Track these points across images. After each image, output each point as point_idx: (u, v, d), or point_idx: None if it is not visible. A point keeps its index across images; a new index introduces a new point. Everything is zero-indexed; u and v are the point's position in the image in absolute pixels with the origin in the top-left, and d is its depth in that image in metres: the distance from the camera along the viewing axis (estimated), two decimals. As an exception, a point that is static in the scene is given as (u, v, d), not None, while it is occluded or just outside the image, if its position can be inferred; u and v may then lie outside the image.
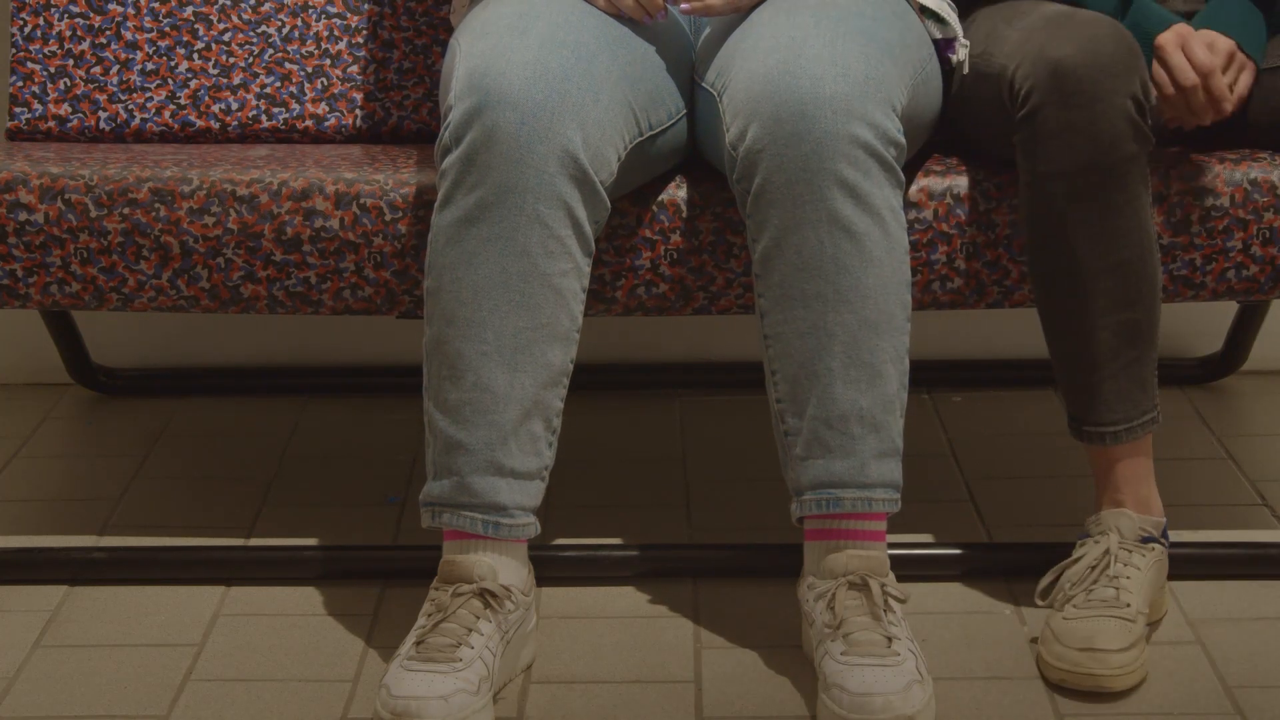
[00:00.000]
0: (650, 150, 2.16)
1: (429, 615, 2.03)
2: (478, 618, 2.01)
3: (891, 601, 2.04)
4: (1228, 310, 2.96)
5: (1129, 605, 2.09)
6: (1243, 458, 2.70)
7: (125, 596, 2.30)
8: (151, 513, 2.57)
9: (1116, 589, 2.10)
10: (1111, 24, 2.10)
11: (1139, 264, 2.11)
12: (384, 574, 2.31)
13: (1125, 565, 2.12)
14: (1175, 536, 2.44)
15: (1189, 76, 2.15)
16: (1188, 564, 2.31)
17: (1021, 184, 2.13)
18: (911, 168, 2.24)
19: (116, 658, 2.16)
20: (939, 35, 2.25)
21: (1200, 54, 2.15)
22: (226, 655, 2.16)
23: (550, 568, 2.32)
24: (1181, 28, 2.17)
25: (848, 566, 2.04)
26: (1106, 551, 2.12)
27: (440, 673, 1.95)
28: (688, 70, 2.24)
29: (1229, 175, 2.20)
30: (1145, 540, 2.15)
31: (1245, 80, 2.20)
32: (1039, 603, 2.14)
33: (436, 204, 2.05)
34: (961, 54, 2.25)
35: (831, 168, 2.00)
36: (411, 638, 2.02)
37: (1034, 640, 2.15)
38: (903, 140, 2.06)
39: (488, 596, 2.03)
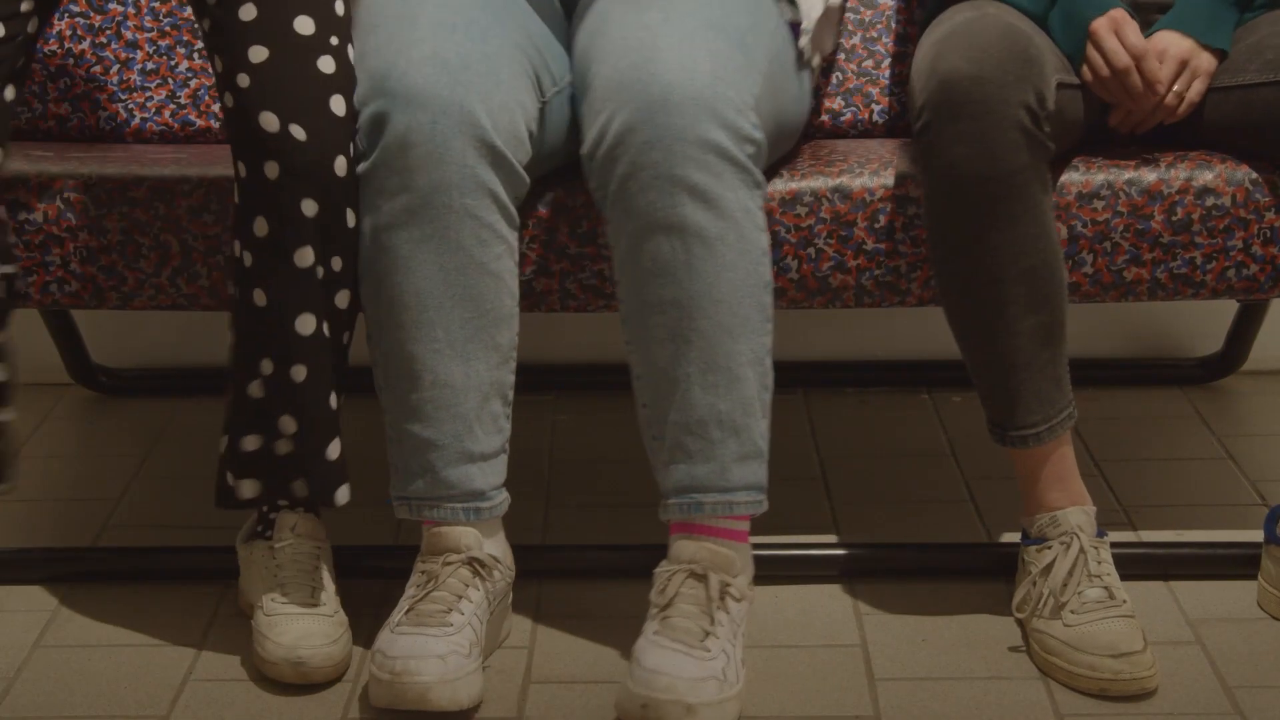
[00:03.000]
0: (551, 112, 2.15)
1: (419, 585, 2.07)
2: (467, 585, 2.06)
3: (729, 600, 2.03)
4: (1228, 310, 2.96)
5: (1125, 601, 2.09)
6: (1243, 458, 2.70)
7: (125, 596, 2.30)
8: (151, 513, 2.57)
9: (1106, 587, 2.10)
10: (1002, 34, 2.09)
11: (1045, 270, 2.10)
12: (384, 574, 2.31)
13: (1100, 563, 2.12)
14: (1175, 537, 2.44)
15: (1121, 59, 2.15)
16: (1188, 564, 2.31)
17: (924, 196, 2.13)
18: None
19: (116, 658, 2.16)
20: (789, 18, 2.23)
21: (1133, 37, 2.15)
22: (226, 655, 2.16)
23: (550, 568, 2.32)
24: (1116, 13, 2.16)
25: (694, 556, 2.05)
26: (1081, 551, 2.13)
27: (434, 635, 1.99)
28: (565, 38, 2.22)
29: (1230, 174, 2.20)
30: (1098, 534, 2.17)
31: (1198, 88, 2.20)
32: (1017, 615, 2.14)
33: (361, 209, 2.05)
34: (803, 41, 2.23)
35: (681, 173, 1.99)
36: (402, 606, 2.06)
37: (1016, 649, 2.15)
38: (759, 136, 2.04)
39: (476, 565, 2.08)
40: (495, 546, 2.13)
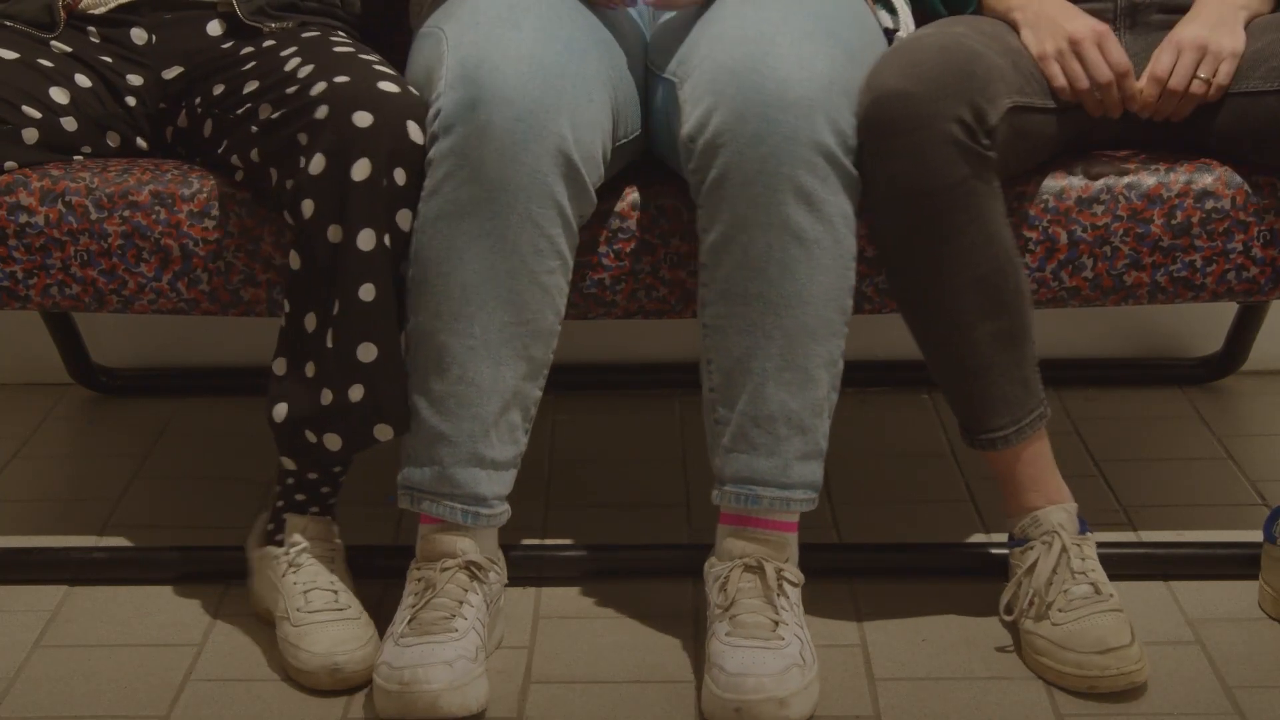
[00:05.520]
0: (611, 162, 2.15)
1: (417, 594, 2.07)
2: (466, 590, 2.06)
3: (786, 586, 2.06)
4: (1228, 310, 2.96)
5: (1112, 595, 2.09)
6: (1243, 458, 2.70)
7: (125, 596, 2.30)
8: (151, 513, 2.57)
9: (1091, 583, 2.10)
10: (941, 50, 2.07)
11: (997, 276, 2.09)
12: (384, 574, 2.31)
13: (1084, 559, 2.12)
14: (1175, 537, 2.44)
15: (1103, 73, 2.14)
16: (1188, 564, 2.31)
17: (869, 210, 2.11)
18: None
19: (116, 658, 2.16)
20: (890, 25, 2.24)
21: (1116, 53, 2.14)
22: (226, 655, 2.16)
23: (550, 568, 2.33)
24: (1101, 26, 2.14)
25: (745, 550, 2.07)
26: (1063, 549, 2.13)
27: (439, 642, 1.99)
28: (642, 83, 2.22)
29: (1229, 177, 2.20)
30: (1081, 531, 2.17)
31: (1225, 69, 2.16)
32: (1005, 618, 2.15)
33: (424, 193, 2.05)
34: None
35: (789, 173, 1.99)
36: (403, 616, 2.05)
37: (1007, 650, 2.15)
38: None
39: (473, 569, 2.08)
40: (489, 549, 2.12)
